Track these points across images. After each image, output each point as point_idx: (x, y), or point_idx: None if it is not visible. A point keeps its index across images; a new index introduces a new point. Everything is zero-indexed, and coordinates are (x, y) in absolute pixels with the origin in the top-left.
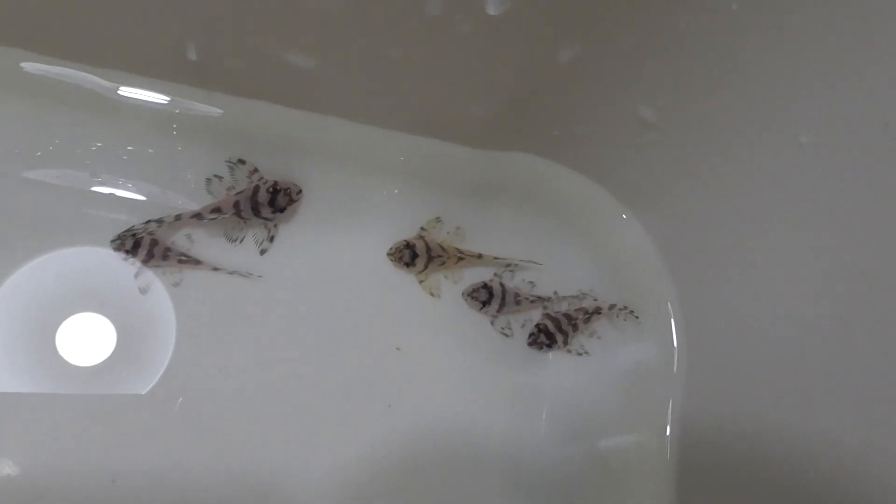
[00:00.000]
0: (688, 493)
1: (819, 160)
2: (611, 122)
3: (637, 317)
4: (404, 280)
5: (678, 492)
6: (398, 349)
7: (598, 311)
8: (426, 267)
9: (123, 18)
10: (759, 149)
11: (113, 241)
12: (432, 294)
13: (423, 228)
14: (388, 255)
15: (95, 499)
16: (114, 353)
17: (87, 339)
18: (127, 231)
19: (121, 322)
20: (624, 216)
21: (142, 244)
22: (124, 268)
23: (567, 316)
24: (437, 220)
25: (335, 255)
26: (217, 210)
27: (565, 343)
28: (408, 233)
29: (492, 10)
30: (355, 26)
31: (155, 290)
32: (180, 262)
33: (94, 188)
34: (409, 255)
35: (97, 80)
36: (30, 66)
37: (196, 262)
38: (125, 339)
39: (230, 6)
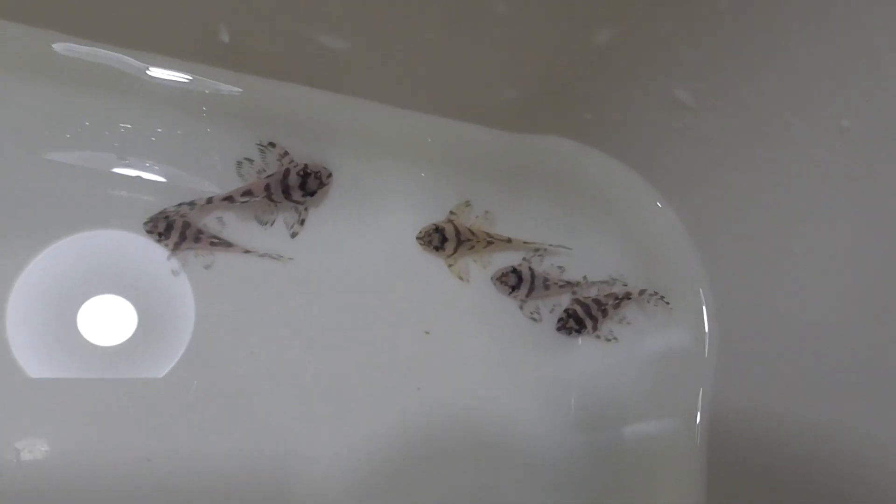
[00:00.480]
0: (717, 480)
1: (860, 145)
2: (646, 106)
3: (668, 302)
4: (433, 264)
5: (708, 478)
6: (427, 333)
7: (628, 296)
8: (455, 251)
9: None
10: (798, 133)
11: (146, 223)
12: (461, 278)
13: (452, 212)
14: (418, 238)
15: (127, 478)
16: (135, 334)
17: (108, 321)
18: (159, 213)
19: (143, 304)
20: (657, 202)
21: (174, 227)
22: (148, 250)
23: (597, 301)
24: (467, 203)
25: (365, 238)
26: (248, 193)
27: (594, 328)
28: (437, 216)
29: None
30: (389, 8)
31: (185, 271)
32: (212, 244)
33: (122, 170)
34: (438, 238)
35: (128, 60)
36: (61, 48)
37: (227, 245)
38: (147, 320)
39: None
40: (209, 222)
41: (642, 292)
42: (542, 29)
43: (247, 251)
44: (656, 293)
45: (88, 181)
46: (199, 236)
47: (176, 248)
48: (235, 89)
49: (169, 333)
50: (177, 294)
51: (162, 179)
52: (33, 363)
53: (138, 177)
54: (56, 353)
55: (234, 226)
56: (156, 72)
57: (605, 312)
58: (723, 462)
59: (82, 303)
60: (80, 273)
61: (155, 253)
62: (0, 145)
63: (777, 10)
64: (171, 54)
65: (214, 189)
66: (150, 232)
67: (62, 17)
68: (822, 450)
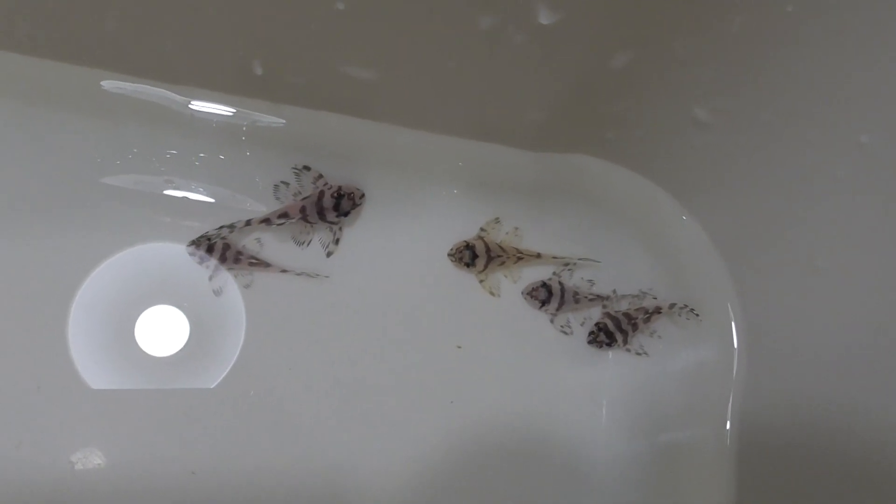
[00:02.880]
0: (747, 490)
1: (880, 160)
2: (666, 125)
3: (698, 315)
4: (465, 280)
5: (738, 487)
6: (459, 347)
7: (658, 310)
8: (486, 267)
9: (194, 39)
10: (818, 149)
11: (189, 245)
12: (492, 293)
13: (482, 229)
14: (449, 255)
15: (174, 489)
16: (186, 345)
17: (161, 332)
18: (202, 236)
19: (194, 317)
20: (683, 217)
21: (215, 248)
22: (197, 264)
23: (627, 315)
24: (496, 220)
25: (398, 256)
26: (285, 215)
27: (625, 342)
28: (468, 234)
29: (544, 20)
30: (412, 42)
31: (227, 290)
32: (251, 264)
33: (169, 192)
34: (469, 255)
35: (171, 95)
36: (108, 85)
37: (266, 265)
38: (197, 333)
39: (292, 26)
40: (248, 244)
41: (672, 306)
42: (560, 55)
43: (284, 270)
44: (686, 306)
45: (138, 203)
46: (238, 257)
47: (217, 269)
48: (271, 118)
49: (214, 348)
50: (219, 311)
51: (207, 200)
52: (91, 373)
53: (185, 198)
54: (113, 363)
55: (272, 246)
56: (197, 104)
57: (635, 326)
58: (752, 472)
59: (138, 314)
60: (135, 287)
61: (206, 272)
62: (58, 170)
63: (791, 30)
64: (211, 87)
65: (258, 209)
66: (192, 254)
67: (109, 57)
68: (851, 461)
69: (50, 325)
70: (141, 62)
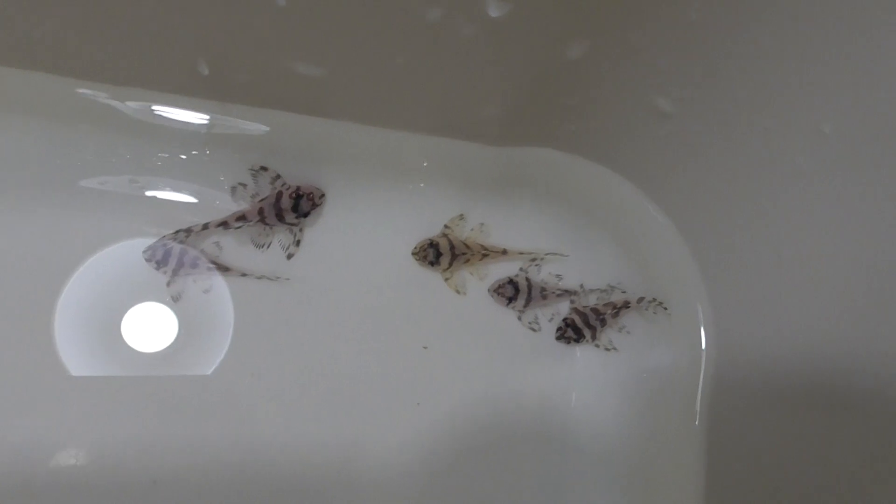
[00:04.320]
0: (715, 486)
1: (843, 150)
2: (627, 115)
3: (666, 308)
4: (430, 278)
5: (707, 483)
6: (425, 348)
7: (626, 304)
8: (451, 265)
9: (138, 41)
10: (781, 139)
11: (144, 251)
12: (458, 291)
13: (446, 226)
14: (413, 254)
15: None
16: (172, 344)
17: (146, 327)
18: (157, 242)
19: (165, 318)
20: (650, 207)
21: (171, 254)
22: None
23: (595, 310)
24: (461, 217)
25: (361, 256)
26: (242, 218)
27: (594, 338)
28: (431, 231)
29: (493, 13)
30: (357, 37)
31: (186, 295)
32: (210, 269)
33: (136, 191)
34: (433, 253)
35: (123, 97)
36: (61, 89)
37: (225, 269)
38: (184, 333)
39: (234, 25)
40: (207, 247)
41: (641, 300)
42: (514, 47)
43: (244, 274)
44: (655, 300)
45: (111, 202)
46: (196, 262)
47: (174, 274)
48: (227, 118)
49: (198, 347)
50: (182, 315)
51: (177, 198)
52: (76, 366)
53: (152, 196)
54: (97, 357)
55: (232, 249)
56: (154, 107)
57: (603, 322)
58: (721, 465)
59: (120, 313)
60: (119, 283)
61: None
62: (37, 174)
63: (750, 18)
64: (162, 89)
65: (225, 207)
66: (148, 261)
67: (57, 61)
68: (817, 462)
69: (36, 321)
70: (88, 66)
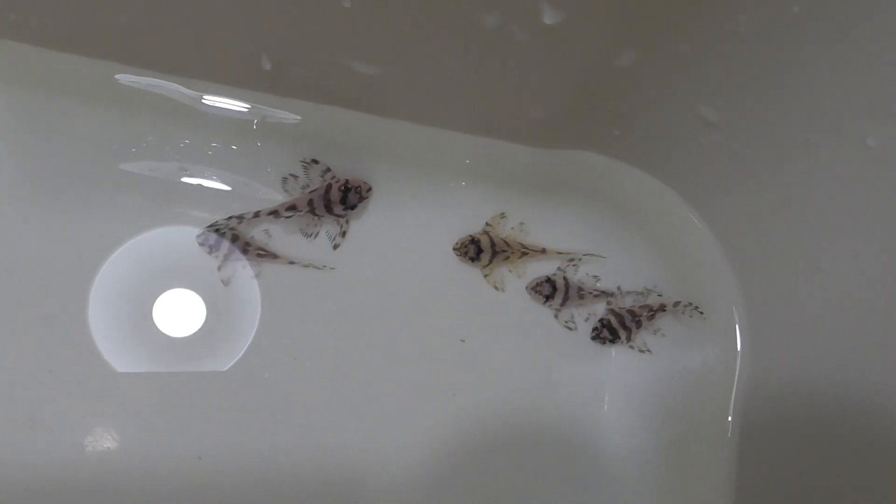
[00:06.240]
0: (746, 491)
1: (885, 163)
2: (672, 123)
3: (702, 313)
4: (470, 274)
5: (737, 488)
6: (463, 341)
7: (662, 307)
8: (491, 261)
9: (204, 34)
10: (825, 151)
11: (198, 236)
12: (497, 288)
13: (487, 224)
14: (454, 249)
15: (182, 472)
16: (199, 330)
17: (176, 315)
18: (210, 227)
19: (207, 302)
20: (689, 215)
21: (224, 238)
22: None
23: (631, 312)
24: (502, 215)
25: (404, 249)
26: (292, 208)
27: (629, 339)
28: (473, 228)
29: (548, 20)
30: (417, 39)
31: (236, 280)
32: (259, 255)
33: (183, 179)
34: (474, 249)
35: (182, 88)
36: (122, 77)
37: (273, 256)
38: (211, 319)
39: (300, 22)
40: (257, 235)
41: (677, 304)
42: (565, 53)
43: (291, 262)
44: (691, 304)
45: (154, 188)
46: (246, 248)
47: (225, 259)
48: (281, 112)
49: (224, 336)
50: (231, 299)
51: (221, 188)
52: (111, 355)
53: (199, 185)
54: (130, 345)
55: (280, 237)
56: (209, 97)
57: (639, 324)
58: (752, 470)
59: (154, 298)
60: (149, 270)
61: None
62: (74, 158)
63: (797, 31)
64: (222, 81)
65: (269, 198)
66: (201, 244)
67: (121, 50)
68: (850, 461)
69: (70, 305)
70: (152, 56)
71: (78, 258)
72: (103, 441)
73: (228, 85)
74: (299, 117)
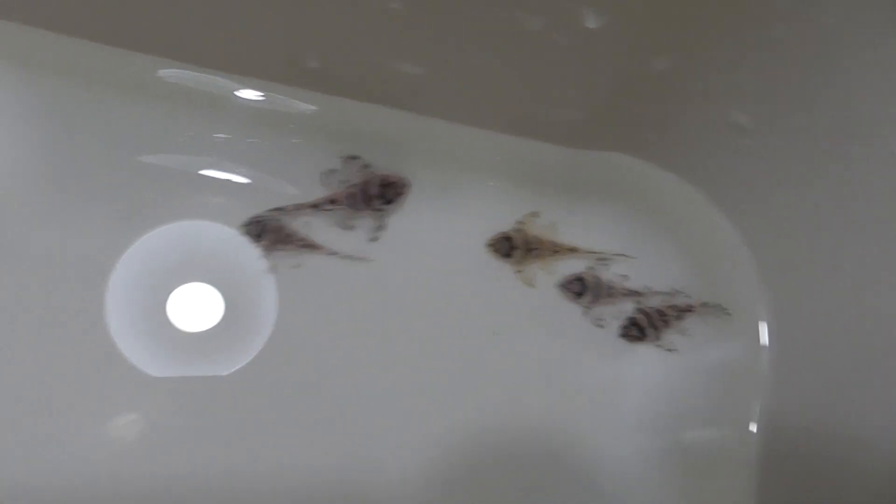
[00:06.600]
0: (768, 492)
1: None
2: (705, 128)
3: (730, 315)
4: (502, 270)
5: (758, 492)
6: (496, 334)
7: (689, 308)
8: (523, 258)
9: (247, 30)
10: (854, 158)
11: (242, 226)
12: (528, 284)
13: (520, 222)
14: (488, 245)
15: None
16: (220, 323)
17: (196, 309)
18: (254, 218)
19: (229, 295)
20: (718, 218)
21: (267, 229)
22: (239, 243)
23: (659, 311)
24: (534, 214)
25: (439, 244)
26: (332, 201)
27: (656, 338)
28: (505, 226)
29: (590, 24)
30: (461, 41)
31: (278, 269)
32: (300, 246)
33: (216, 174)
34: (506, 246)
35: (223, 82)
36: (163, 71)
37: (314, 247)
38: (232, 312)
39: (349, 22)
40: (297, 226)
41: (704, 305)
42: (604, 57)
43: (331, 253)
44: (718, 305)
45: (185, 181)
46: (288, 238)
47: (268, 248)
48: (322, 108)
49: (251, 326)
50: (258, 289)
51: (251, 182)
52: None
53: (228, 180)
54: (146, 340)
55: (320, 229)
56: (248, 92)
57: (666, 323)
58: (774, 474)
59: (172, 289)
60: (172, 261)
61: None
62: (104, 150)
63: (831, 41)
64: (263, 77)
65: (305, 194)
66: (245, 234)
67: (163, 44)
68: (879, 468)
69: (88, 296)
70: (194, 50)
71: (101, 247)
72: (127, 430)
73: (270, 80)
74: (339, 113)
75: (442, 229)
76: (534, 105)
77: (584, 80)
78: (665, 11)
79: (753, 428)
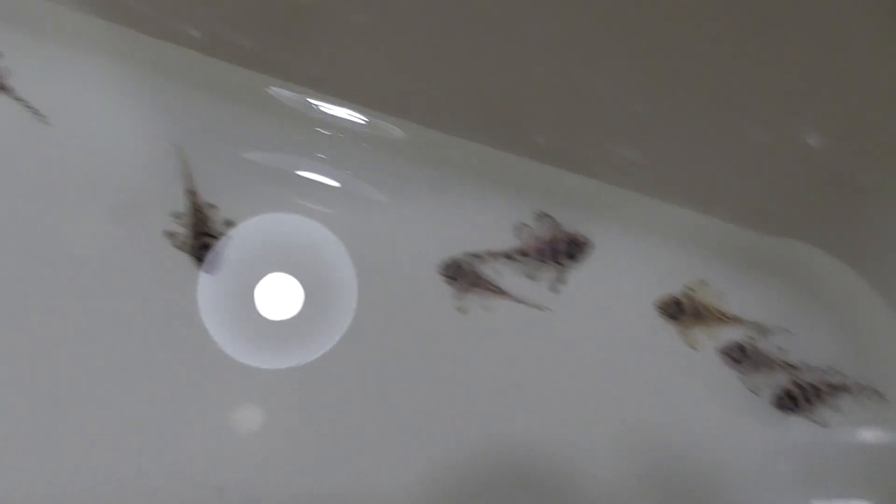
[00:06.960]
0: None
1: None
2: (892, 231)
3: (886, 399)
4: (666, 330)
5: None
6: (655, 389)
7: (844, 387)
8: (690, 322)
9: (464, 86)
10: None
11: (441, 266)
12: (691, 346)
13: (689, 287)
14: (658, 307)
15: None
16: (300, 312)
17: (279, 297)
18: (452, 260)
19: (308, 286)
20: (881, 307)
21: (462, 272)
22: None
23: (814, 386)
24: (703, 282)
25: (611, 300)
26: (523, 253)
27: (809, 411)
28: (674, 289)
29: (811, 142)
30: (685, 139)
31: (470, 309)
32: (490, 290)
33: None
34: (675, 308)
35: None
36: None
37: (502, 292)
38: (311, 303)
39: (586, 112)
40: (489, 272)
41: (859, 386)
42: (815, 168)
43: (518, 300)
44: (875, 390)
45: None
46: (478, 281)
47: (464, 290)
48: (513, 165)
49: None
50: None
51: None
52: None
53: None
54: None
55: (507, 277)
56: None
57: (820, 398)
58: None
59: (260, 278)
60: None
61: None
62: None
63: None
64: (459, 135)
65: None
66: (442, 273)
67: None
68: None
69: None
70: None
71: None
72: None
73: (462, 138)
74: (534, 172)
75: (615, 287)
76: (724, 190)
77: (789, 179)
78: (884, 140)
79: None
